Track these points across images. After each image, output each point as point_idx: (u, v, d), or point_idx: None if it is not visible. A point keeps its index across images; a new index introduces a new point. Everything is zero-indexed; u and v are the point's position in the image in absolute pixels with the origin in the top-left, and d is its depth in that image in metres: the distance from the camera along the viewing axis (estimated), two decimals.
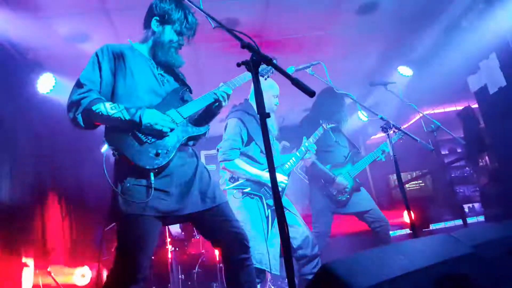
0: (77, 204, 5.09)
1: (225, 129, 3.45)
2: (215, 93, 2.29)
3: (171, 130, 2.15)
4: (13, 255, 3.63)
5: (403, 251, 1.29)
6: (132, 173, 2.07)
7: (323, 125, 3.78)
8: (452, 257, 1.38)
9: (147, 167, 2.05)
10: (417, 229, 2.84)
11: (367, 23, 4.77)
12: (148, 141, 2.10)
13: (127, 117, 2.05)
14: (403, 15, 4.71)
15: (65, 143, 4.77)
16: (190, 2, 2.11)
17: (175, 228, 5.25)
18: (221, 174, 3.51)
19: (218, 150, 3.37)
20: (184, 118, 2.23)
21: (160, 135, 2.11)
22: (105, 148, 2.15)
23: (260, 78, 2.53)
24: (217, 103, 2.31)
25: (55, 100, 4.48)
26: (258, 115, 1.57)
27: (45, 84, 4.44)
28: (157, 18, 2.30)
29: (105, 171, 2.01)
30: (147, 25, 2.37)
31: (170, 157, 2.12)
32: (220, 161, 3.32)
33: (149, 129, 2.08)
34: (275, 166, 1.57)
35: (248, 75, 2.44)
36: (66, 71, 4.49)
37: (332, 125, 3.92)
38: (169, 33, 2.30)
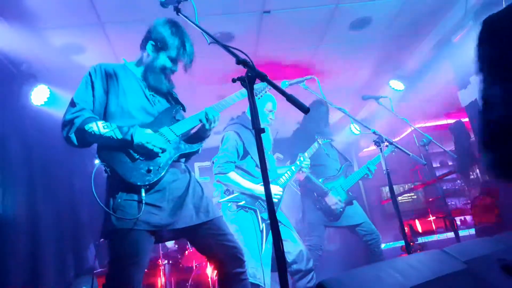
0: (71, 217, 5.03)
1: (221, 141, 3.45)
2: (201, 116, 2.27)
3: (163, 150, 2.15)
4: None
5: (398, 268, 1.30)
6: (124, 188, 2.08)
7: (318, 140, 3.82)
8: (446, 273, 1.39)
9: (138, 183, 2.05)
10: (410, 242, 2.85)
11: (360, 38, 4.85)
12: (140, 158, 2.11)
13: (119, 136, 2.07)
14: (394, 31, 4.79)
15: (59, 155, 4.74)
16: (186, 18, 2.13)
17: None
18: (215, 186, 3.51)
19: (213, 162, 3.37)
20: (177, 136, 2.24)
21: (151, 154, 2.12)
22: (97, 161, 2.15)
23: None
24: (202, 126, 2.30)
25: (49, 112, 4.46)
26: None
27: (39, 95, 4.42)
28: (153, 43, 2.31)
29: (93, 188, 2.00)
30: (143, 46, 2.37)
31: (162, 174, 2.13)
32: (215, 174, 3.32)
33: (140, 148, 2.08)
34: (270, 180, 1.58)
35: (243, 93, 2.45)
36: (61, 83, 4.49)
37: (327, 140, 3.96)
38: (162, 60, 2.31)
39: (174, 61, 2.33)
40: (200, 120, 2.28)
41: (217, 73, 4.69)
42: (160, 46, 2.29)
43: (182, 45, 2.30)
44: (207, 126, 2.28)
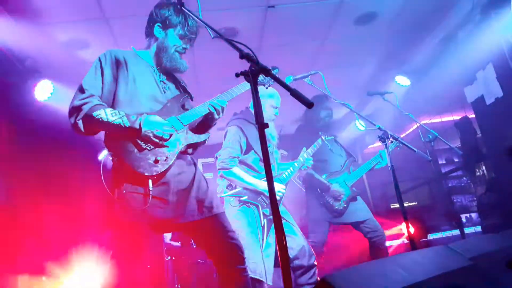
0: (75, 211, 5.06)
1: (224, 136, 3.45)
2: (209, 105, 2.30)
3: (171, 135, 2.14)
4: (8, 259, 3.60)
5: (402, 264, 1.29)
6: (130, 179, 2.07)
7: (322, 137, 3.80)
8: (450, 269, 1.38)
9: (146, 173, 2.04)
10: (415, 239, 2.83)
11: (365, 34, 4.81)
12: (148, 147, 2.10)
13: (127, 124, 2.05)
14: (400, 26, 4.75)
15: (63, 150, 4.75)
16: (189, 12, 2.13)
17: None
18: (218, 182, 3.50)
19: (216, 158, 3.37)
20: (184, 126, 2.23)
21: (160, 141, 2.11)
22: (103, 154, 2.15)
23: (262, 87, 2.56)
24: (210, 115, 2.31)
25: (53, 107, 4.46)
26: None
27: (43, 91, 4.42)
28: (159, 24, 2.34)
29: (103, 178, 2.00)
30: (149, 33, 2.39)
31: (169, 164, 2.12)
32: (218, 169, 3.31)
33: (149, 136, 2.07)
34: (273, 175, 1.56)
35: (247, 85, 2.45)
36: (65, 78, 4.48)
37: (331, 137, 3.95)
38: (172, 37, 2.33)
39: (182, 37, 2.35)
40: (209, 109, 2.28)
41: (220, 68, 4.67)
42: (167, 25, 2.33)
43: (186, 20, 2.33)
44: (216, 116, 2.30)
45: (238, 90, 2.47)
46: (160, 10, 2.34)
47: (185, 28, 2.33)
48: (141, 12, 3.73)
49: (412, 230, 2.87)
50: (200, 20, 2.04)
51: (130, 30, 4.03)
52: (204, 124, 2.39)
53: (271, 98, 3.56)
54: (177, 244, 5.31)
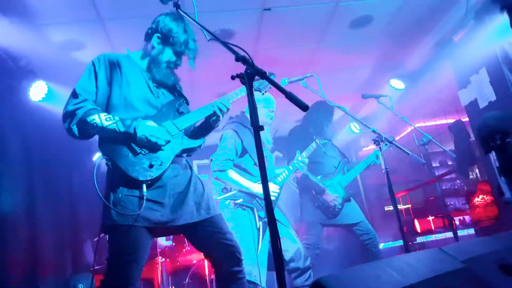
0: (69, 213, 5.03)
1: (220, 140, 3.47)
2: (213, 106, 2.29)
3: (167, 142, 2.14)
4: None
5: (396, 267, 1.30)
6: (125, 183, 2.06)
7: (316, 140, 3.82)
8: (443, 272, 1.39)
9: (140, 178, 2.03)
10: (408, 241, 2.85)
11: (360, 37, 4.83)
12: (143, 152, 2.09)
13: (122, 129, 2.04)
14: (395, 30, 4.78)
15: (57, 151, 4.73)
16: (185, 14, 2.12)
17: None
18: (213, 184, 3.51)
19: (211, 160, 3.37)
20: (179, 130, 2.23)
21: (155, 147, 2.10)
22: (96, 157, 2.14)
23: (258, 92, 2.57)
24: (214, 116, 2.30)
25: (47, 108, 4.44)
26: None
27: (38, 91, 4.40)
28: (159, 35, 2.29)
29: (95, 181, 1.99)
30: (148, 37, 2.35)
31: (164, 169, 2.11)
32: (213, 171, 3.32)
33: (144, 141, 2.07)
34: (268, 178, 1.57)
35: (243, 90, 2.45)
36: (59, 79, 4.47)
37: (325, 141, 3.97)
38: (168, 54, 2.31)
39: (178, 55, 2.33)
40: (214, 106, 2.27)
41: (216, 70, 4.68)
42: (167, 41, 2.28)
43: (188, 42, 2.30)
44: (221, 117, 2.30)
45: (235, 95, 2.46)
46: (169, 22, 2.29)
47: (184, 49, 2.29)
48: (136, 14, 3.77)
49: (405, 232, 2.89)
50: (195, 22, 2.04)
51: (125, 31, 4.04)
52: (205, 128, 2.38)
53: (266, 103, 3.58)
54: (170, 243, 5.31)
